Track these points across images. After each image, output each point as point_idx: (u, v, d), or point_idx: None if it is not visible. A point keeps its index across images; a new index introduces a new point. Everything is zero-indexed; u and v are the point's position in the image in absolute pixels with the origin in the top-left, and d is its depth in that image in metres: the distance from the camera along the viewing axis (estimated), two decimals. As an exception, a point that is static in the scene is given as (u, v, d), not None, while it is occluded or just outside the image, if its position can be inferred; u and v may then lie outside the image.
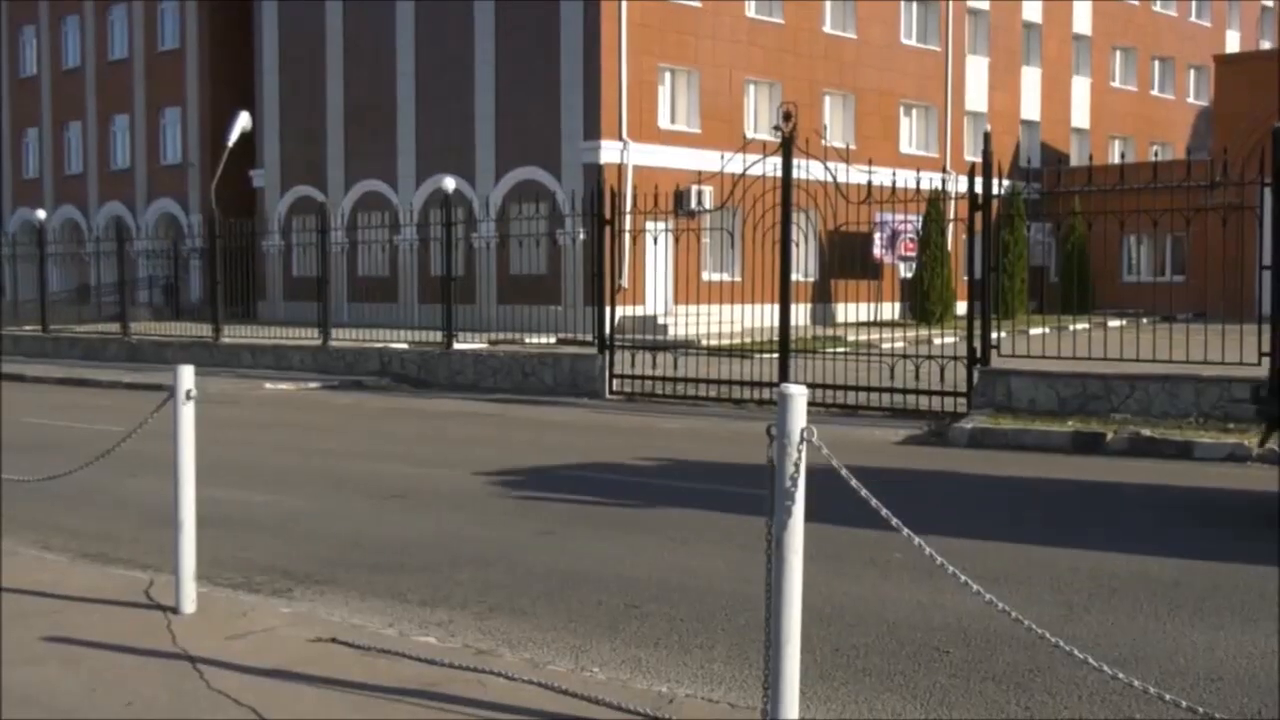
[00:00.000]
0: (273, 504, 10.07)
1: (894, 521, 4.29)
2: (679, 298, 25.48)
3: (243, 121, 23.57)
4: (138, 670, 5.31)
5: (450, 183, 25.81)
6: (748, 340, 21.30)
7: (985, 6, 44.81)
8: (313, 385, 21.42)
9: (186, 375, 6.23)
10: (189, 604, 6.24)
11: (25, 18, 52.52)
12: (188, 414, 6.21)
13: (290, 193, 41.30)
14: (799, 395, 4.24)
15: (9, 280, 34.37)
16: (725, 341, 21.79)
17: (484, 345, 22.27)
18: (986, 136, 16.11)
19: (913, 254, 35.65)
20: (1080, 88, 49.15)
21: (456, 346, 21.44)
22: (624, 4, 33.99)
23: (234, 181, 38.24)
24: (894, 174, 16.09)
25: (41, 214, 37.38)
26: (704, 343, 21.12)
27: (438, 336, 21.85)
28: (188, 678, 5.23)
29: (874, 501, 4.32)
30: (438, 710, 4.79)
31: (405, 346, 22.49)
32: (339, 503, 10.13)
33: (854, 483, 4.35)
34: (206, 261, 28.19)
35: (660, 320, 27.84)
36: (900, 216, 31.70)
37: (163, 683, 5.16)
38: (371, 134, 39.16)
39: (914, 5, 42.75)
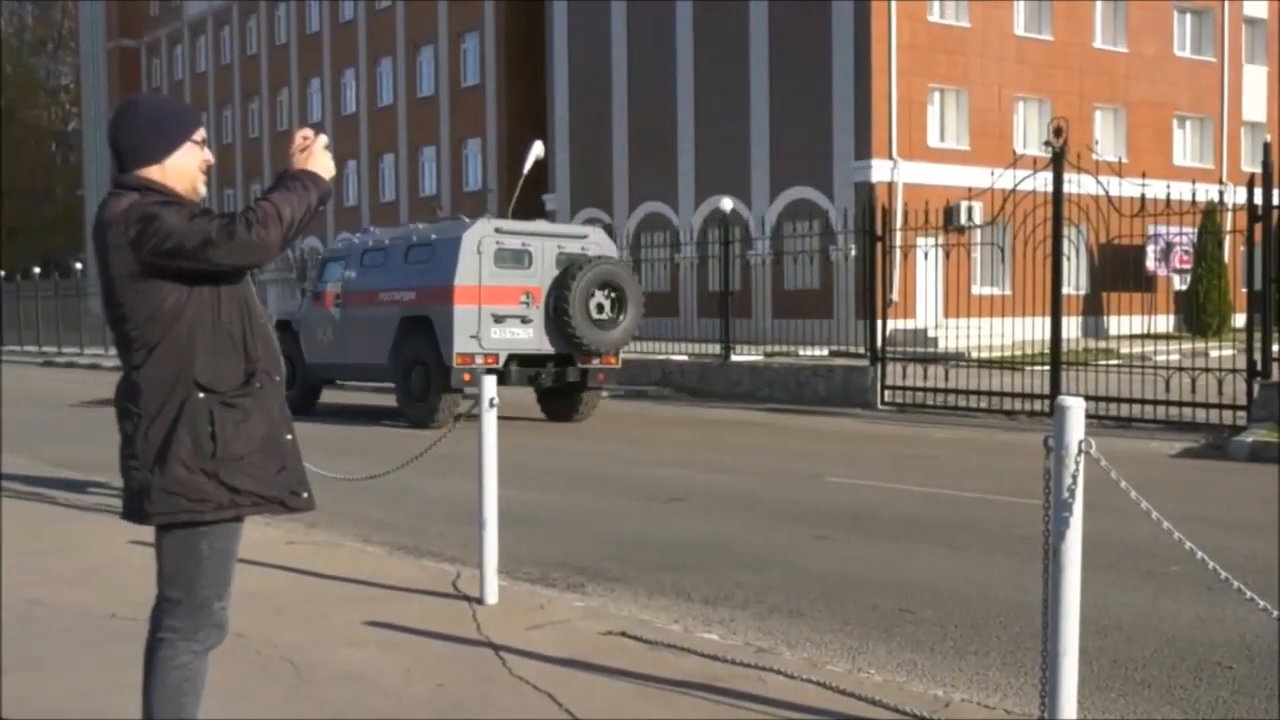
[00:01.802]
0: (565, 504, 10.31)
1: (1175, 535, 4.08)
2: (949, 311, 24.92)
3: (536, 150, 24.10)
4: (447, 654, 5.50)
5: (727, 203, 25.92)
6: (1018, 353, 20.69)
7: (1263, 15, 42.33)
8: (602, 395, 21.81)
9: (490, 385, 6.42)
10: (492, 595, 6.43)
11: (346, 62, 55.44)
12: (491, 420, 6.41)
13: (579, 215, 42.26)
14: (1077, 407, 4.09)
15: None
16: (995, 354, 21.23)
17: (760, 357, 22.28)
18: (1266, 147, 15.20)
19: (1188, 266, 33.87)
20: (1367, 94, 45.96)
21: (734, 358, 21.53)
22: (894, 27, 33.56)
23: (529, 205, 39.25)
24: (1168, 186, 15.40)
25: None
26: (974, 355, 20.61)
27: (716, 349, 21.98)
28: (491, 663, 5.38)
29: (1155, 513, 4.12)
30: (721, 704, 4.80)
31: (685, 358, 22.71)
32: (625, 504, 10.29)
33: (1134, 494, 4.16)
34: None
35: (930, 333, 27.36)
36: (1175, 229, 30.26)
37: (469, 667, 5.33)
38: (653, 159, 39.72)
39: (1187, 17, 40.77)
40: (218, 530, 3.65)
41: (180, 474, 3.53)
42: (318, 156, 3.69)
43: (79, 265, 62.49)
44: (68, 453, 13.87)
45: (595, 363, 17.17)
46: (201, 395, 3.58)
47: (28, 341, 47.06)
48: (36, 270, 56.20)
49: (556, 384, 17.19)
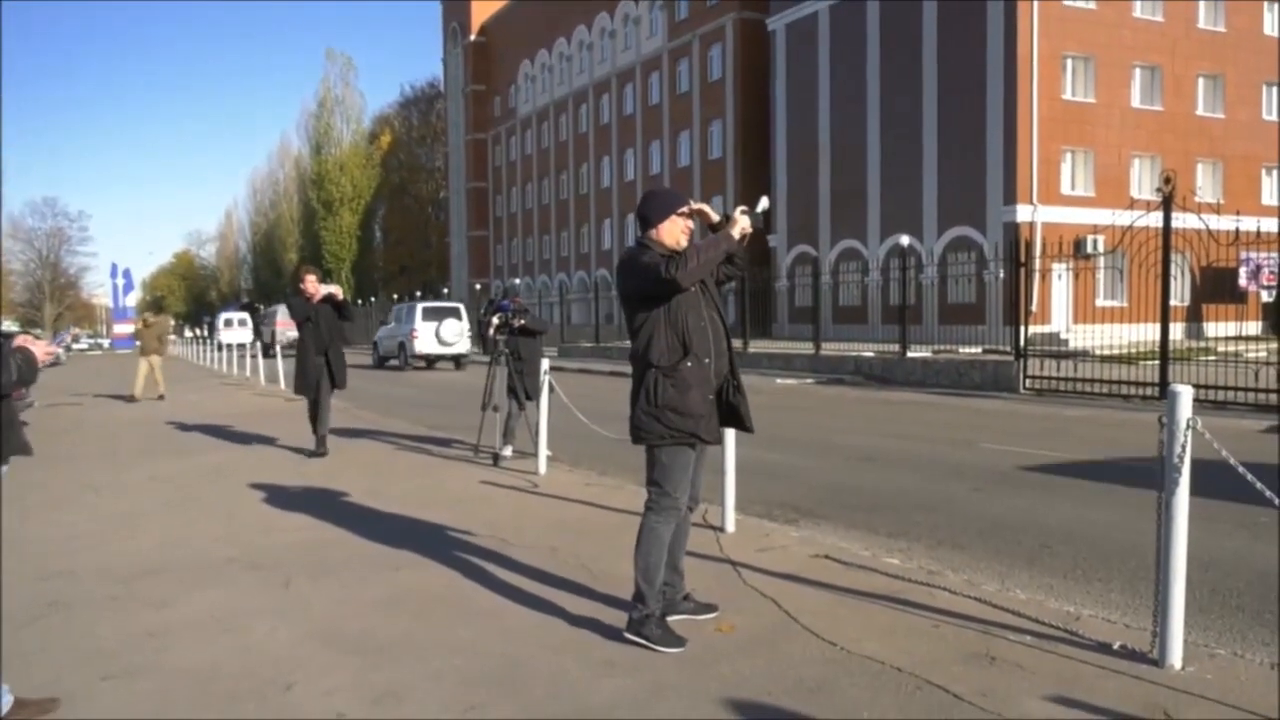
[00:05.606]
0: (784, 461, 10.20)
1: (1268, 493, 3.75)
2: (1076, 318, 23.62)
3: (763, 203, 23.91)
4: (698, 567, 5.49)
5: (905, 239, 25.10)
6: (1132, 350, 19.38)
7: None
8: (808, 381, 21.57)
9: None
10: (730, 526, 6.44)
11: (627, 144, 56.33)
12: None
13: (793, 250, 41.83)
14: (1185, 393, 3.81)
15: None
16: (1113, 351, 19.96)
17: (929, 353, 21.56)
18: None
19: (1273, 283, 31.07)
20: None
21: (909, 354, 20.90)
22: (1035, 105, 31.94)
23: (757, 244, 39.11)
24: (1258, 221, 14.18)
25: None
26: (1097, 352, 19.45)
27: (895, 347, 21.40)
28: (730, 575, 5.39)
29: (1249, 476, 3.80)
30: (901, 611, 4.68)
31: (872, 354, 22.18)
32: (828, 461, 10.12)
33: (1232, 461, 3.84)
34: (737, 296, 29.06)
35: (1062, 335, 26.03)
36: (1263, 254, 27.85)
37: (715, 577, 5.34)
38: (848, 207, 39.00)
39: (1274, 89, 37.29)
40: (670, 449, 4.25)
41: (639, 416, 4.23)
42: (735, 222, 4.29)
43: (445, 290, 65.36)
44: (437, 419, 14.59)
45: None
46: (653, 369, 4.20)
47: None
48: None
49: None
